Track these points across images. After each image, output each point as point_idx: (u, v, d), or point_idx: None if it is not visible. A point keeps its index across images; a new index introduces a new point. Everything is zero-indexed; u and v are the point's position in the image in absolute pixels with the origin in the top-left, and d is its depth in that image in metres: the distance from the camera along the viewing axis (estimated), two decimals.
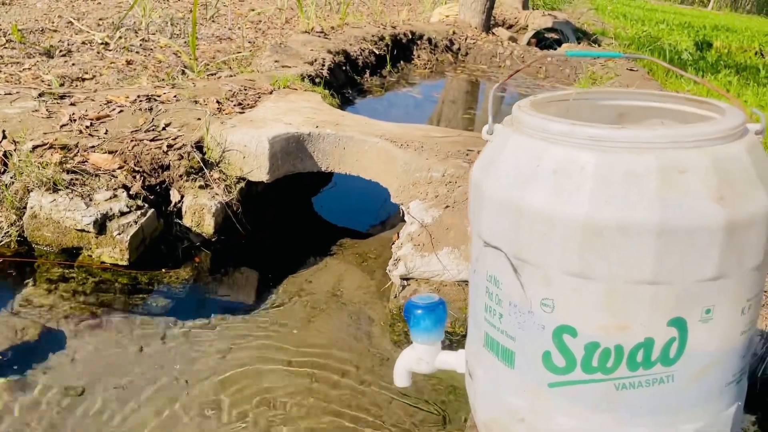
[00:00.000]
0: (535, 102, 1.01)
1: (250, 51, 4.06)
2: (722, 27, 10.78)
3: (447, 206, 2.16)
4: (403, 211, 2.23)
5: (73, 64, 3.52)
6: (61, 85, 3.05)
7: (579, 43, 6.05)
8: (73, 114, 2.33)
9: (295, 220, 2.61)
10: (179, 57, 3.83)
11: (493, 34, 6.20)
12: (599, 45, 5.97)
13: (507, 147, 0.93)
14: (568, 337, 0.87)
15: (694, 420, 0.90)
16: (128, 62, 3.71)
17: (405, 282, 2.01)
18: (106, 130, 2.24)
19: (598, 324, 0.85)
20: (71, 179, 2.02)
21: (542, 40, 6.05)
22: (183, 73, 3.45)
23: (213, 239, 2.21)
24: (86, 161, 2.07)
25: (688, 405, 0.89)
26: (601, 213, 0.82)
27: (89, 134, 2.20)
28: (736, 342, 0.89)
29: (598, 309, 0.85)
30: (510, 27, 7.27)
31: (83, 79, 3.30)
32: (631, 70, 4.70)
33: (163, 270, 2.09)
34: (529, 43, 5.80)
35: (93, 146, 2.13)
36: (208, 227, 2.17)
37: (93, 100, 2.52)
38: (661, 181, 0.81)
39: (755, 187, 0.84)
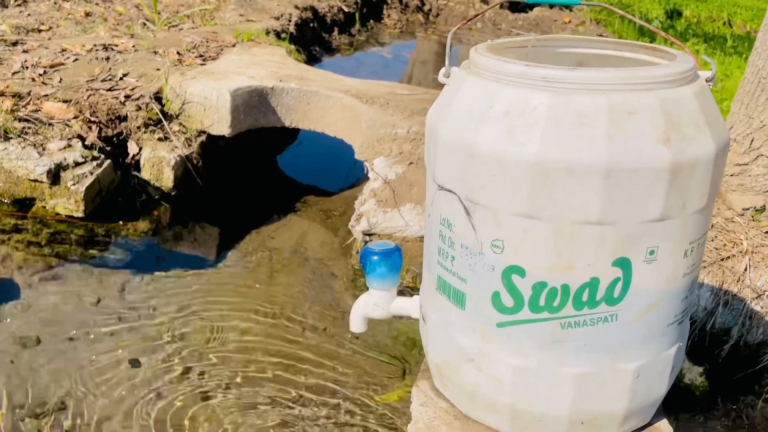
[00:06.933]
0: (492, 46, 1.00)
1: (215, 5, 3.95)
2: None
3: (411, 163, 2.15)
4: (367, 168, 2.22)
5: (29, 15, 3.38)
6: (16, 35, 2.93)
7: (551, 8, 6.02)
8: (26, 61, 2.25)
9: (260, 177, 2.58)
10: (141, 10, 3.71)
11: None
12: (570, 10, 5.96)
13: (461, 89, 0.92)
14: (517, 278, 0.88)
15: (636, 359, 0.92)
16: (87, 14, 3.58)
17: (367, 238, 2.01)
18: (61, 79, 2.16)
19: (546, 264, 0.86)
20: (23, 128, 1.96)
21: (515, 4, 6.02)
22: (144, 26, 3.34)
23: (173, 193, 2.17)
24: (39, 110, 2.01)
25: (630, 344, 0.91)
26: (551, 154, 0.82)
27: (42, 82, 2.13)
28: (679, 283, 0.91)
29: (546, 249, 0.86)
30: None
31: (39, 30, 3.17)
32: (601, 35, 4.71)
33: (121, 222, 2.06)
34: (501, 6, 5.76)
35: (46, 95, 2.06)
36: (167, 180, 2.14)
37: (47, 48, 2.43)
38: (610, 122, 0.81)
39: (701, 131, 0.85)
